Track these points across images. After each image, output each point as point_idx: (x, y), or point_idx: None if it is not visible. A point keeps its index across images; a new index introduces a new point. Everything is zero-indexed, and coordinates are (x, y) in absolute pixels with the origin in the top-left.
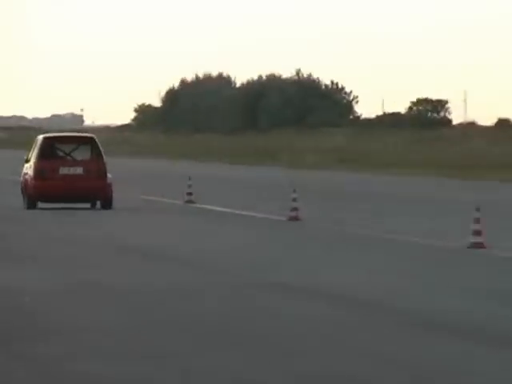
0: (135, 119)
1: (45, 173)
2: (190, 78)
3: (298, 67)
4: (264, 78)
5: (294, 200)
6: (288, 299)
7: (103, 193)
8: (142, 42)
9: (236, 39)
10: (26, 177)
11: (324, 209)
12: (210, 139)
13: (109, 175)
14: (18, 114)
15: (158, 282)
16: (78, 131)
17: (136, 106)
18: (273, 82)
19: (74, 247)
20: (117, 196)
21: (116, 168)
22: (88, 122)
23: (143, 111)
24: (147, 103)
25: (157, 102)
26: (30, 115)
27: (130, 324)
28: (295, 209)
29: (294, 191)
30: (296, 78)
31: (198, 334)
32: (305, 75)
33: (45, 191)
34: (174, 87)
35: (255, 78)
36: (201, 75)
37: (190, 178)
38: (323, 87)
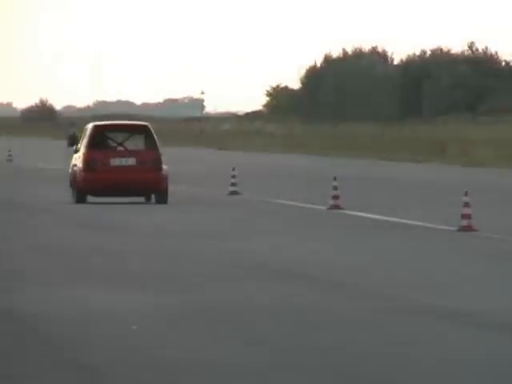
0: (267, 105)
1: (95, 164)
2: (335, 53)
3: (470, 40)
4: (428, 53)
5: (467, 205)
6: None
7: (158, 186)
8: (276, 10)
9: (394, 6)
10: (75, 168)
11: (496, 217)
12: (359, 130)
13: (164, 167)
14: (124, 98)
15: (298, 300)
16: (199, 119)
17: (269, 88)
18: (439, 58)
19: (192, 262)
20: (245, 198)
21: (244, 164)
22: (209, 108)
23: (277, 95)
24: (282, 85)
25: (295, 84)
26: (138, 100)
27: (277, 364)
28: (467, 216)
29: (466, 194)
30: (469, 53)
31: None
32: (479, 50)
33: (94, 184)
34: (315, 65)
35: (417, 53)
36: (349, 50)
37: (335, 178)
38: (503, 64)
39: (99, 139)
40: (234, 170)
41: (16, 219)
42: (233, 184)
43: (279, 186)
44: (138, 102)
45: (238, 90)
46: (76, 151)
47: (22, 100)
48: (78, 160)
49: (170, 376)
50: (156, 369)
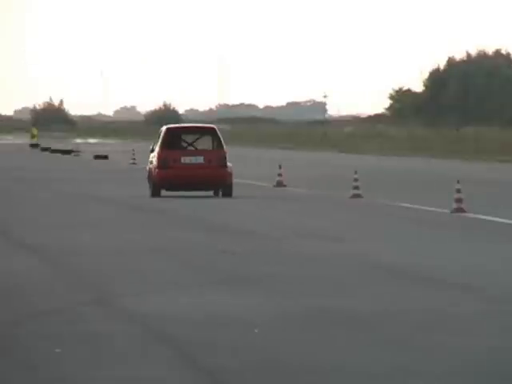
0: (390, 108)
1: (167, 162)
2: (459, 56)
3: None
4: None
5: None
6: None
7: (224, 181)
8: (399, 13)
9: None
10: (151, 166)
11: None
12: (483, 132)
13: (229, 164)
14: (247, 102)
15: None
16: (322, 122)
17: (392, 92)
18: None
19: (314, 264)
20: (367, 201)
21: (366, 167)
22: (332, 111)
23: (400, 98)
24: (405, 88)
25: (418, 87)
26: (261, 103)
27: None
28: None
29: None
30: None
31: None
32: None
33: (167, 179)
34: (439, 68)
35: None
36: (473, 53)
37: (458, 182)
38: None
39: (171, 140)
40: (356, 173)
41: (133, 219)
42: (355, 187)
43: (402, 189)
44: (261, 105)
45: (360, 92)
46: (152, 151)
47: (146, 104)
48: (153, 158)
49: (291, 379)
50: (277, 371)
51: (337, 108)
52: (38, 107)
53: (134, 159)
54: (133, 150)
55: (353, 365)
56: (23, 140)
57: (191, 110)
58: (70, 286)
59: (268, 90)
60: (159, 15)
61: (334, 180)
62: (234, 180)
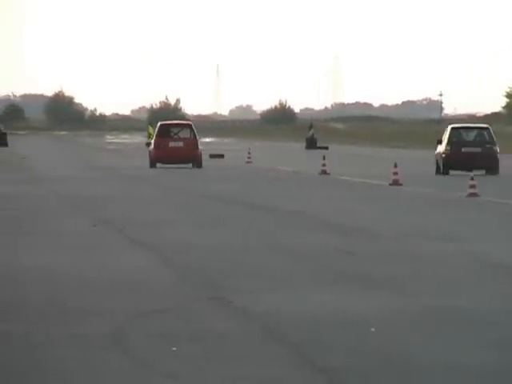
0: (507, 106)
1: (160, 145)
2: None
3: None
4: None
5: None
6: None
7: (196, 158)
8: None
9: None
10: (150, 148)
11: None
12: None
13: (200, 147)
14: (362, 100)
15: None
16: (438, 121)
17: (508, 90)
18: None
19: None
20: (482, 200)
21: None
22: (448, 110)
23: None
24: None
25: None
26: (376, 102)
27: None
28: None
29: None
30: None
31: None
32: None
33: (160, 157)
34: None
35: None
36: None
37: None
38: None
39: (163, 131)
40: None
41: (252, 219)
42: (471, 186)
43: None
44: (376, 103)
45: (477, 91)
46: (149, 137)
47: (262, 103)
48: (152, 143)
49: (407, 379)
50: (393, 371)
51: (453, 107)
52: (154, 106)
53: (250, 158)
54: (248, 149)
55: (469, 364)
56: (140, 139)
57: (306, 108)
58: (184, 284)
59: (383, 88)
60: (274, 15)
61: (450, 179)
62: (348, 178)
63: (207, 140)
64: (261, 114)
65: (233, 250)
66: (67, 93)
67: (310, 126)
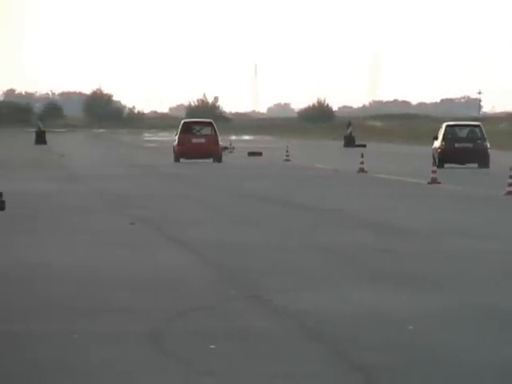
0: None
1: (184, 142)
2: None
3: None
4: None
5: None
6: None
7: (217, 153)
8: None
9: None
10: (174, 144)
11: None
12: None
13: (221, 143)
14: (401, 98)
15: None
16: (476, 119)
17: None
18: None
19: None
20: None
21: None
22: (486, 108)
23: None
24: None
25: None
26: (414, 100)
27: None
28: None
29: None
30: None
31: None
32: None
33: (183, 152)
34: None
35: None
36: None
37: None
38: None
39: (186, 128)
40: (511, 169)
41: (290, 217)
42: (510, 184)
43: None
44: (415, 101)
45: None
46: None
47: (300, 101)
48: (176, 140)
49: (445, 377)
50: (431, 369)
51: (491, 105)
52: (192, 104)
53: (288, 156)
54: (287, 147)
55: (507, 362)
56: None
57: (344, 106)
58: (223, 282)
59: (422, 86)
60: (313, 13)
61: (488, 177)
62: (386, 176)
63: (245, 138)
64: (299, 112)
65: (271, 249)
66: (105, 91)
67: (348, 124)
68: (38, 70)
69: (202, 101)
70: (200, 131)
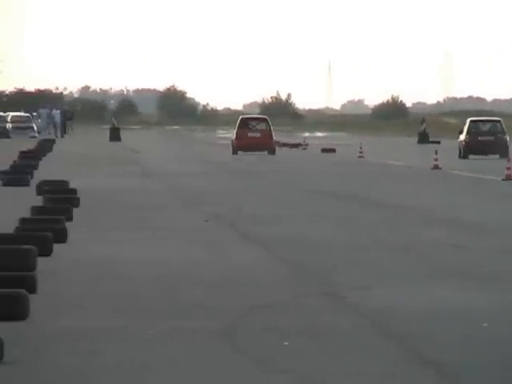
0: None
1: (241, 136)
2: None
3: None
4: None
5: None
6: None
7: (271, 147)
8: None
9: None
10: (232, 138)
11: None
12: None
13: (274, 137)
14: (475, 95)
15: None
16: None
17: None
18: None
19: None
20: None
21: None
22: None
23: None
24: None
25: None
26: (489, 97)
27: None
28: None
29: None
30: None
31: None
32: None
33: (241, 145)
34: None
35: None
36: None
37: None
38: None
39: (243, 124)
40: None
41: (364, 214)
42: None
43: None
44: (489, 98)
45: None
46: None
47: (374, 97)
48: (234, 134)
49: None
50: (506, 366)
51: None
52: (266, 101)
53: (362, 153)
54: (360, 144)
55: None
56: None
57: (418, 103)
58: (296, 279)
59: (496, 83)
60: (386, 11)
61: None
62: (461, 173)
63: (318, 134)
64: (372, 109)
65: (344, 246)
66: (179, 88)
67: (422, 121)
68: (113, 66)
69: (276, 98)
70: (256, 126)
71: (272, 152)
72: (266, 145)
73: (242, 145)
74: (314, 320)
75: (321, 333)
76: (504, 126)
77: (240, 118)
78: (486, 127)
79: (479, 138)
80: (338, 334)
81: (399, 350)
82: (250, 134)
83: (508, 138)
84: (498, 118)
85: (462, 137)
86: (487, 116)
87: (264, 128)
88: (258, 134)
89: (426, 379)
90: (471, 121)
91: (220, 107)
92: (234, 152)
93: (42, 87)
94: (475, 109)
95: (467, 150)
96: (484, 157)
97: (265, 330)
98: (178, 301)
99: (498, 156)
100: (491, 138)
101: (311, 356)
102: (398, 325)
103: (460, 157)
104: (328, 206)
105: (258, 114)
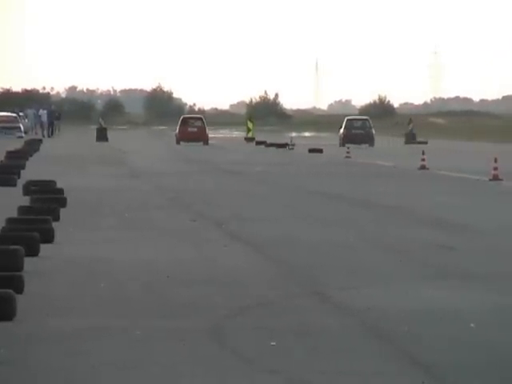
0: None
1: (183, 131)
2: None
3: None
4: None
5: None
6: None
7: (205, 139)
8: None
9: None
10: (176, 131)
11: None
12: None
13: (207, 132)
14: (462, 95)
15: None
16: None
17: None
18: None
19: None
20: None
21: None
22: None
23: None
24: None
25: None
26: (476, 97)
27: None
28: None
29: None
30: None
31: None
32: None
33: (182, 137)
34: None
35: None
36: None
37: None
38: None
39: (185, 121)
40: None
41: (351, 214)
42: None
43: None
44: (476, 98)
45: None
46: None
47: (361, 97)
48: (177, 129)
49: (508, 374)
50: (494, 368)
51: None
52: (253, 101)
53: (349, 153)
54: (347, 148)
55: None
56: (238, 133)
57: (406, 103)
58: (284, 279)
59: (483, 83)
60: (373, 10)
61: None
62: (448, 173)
63: (306, 134)
64: (360, 109)
65: (333, 246)
66: (166, 88)
67: (409, 121)
68: (100, 67)
69: (264, 98)
70: (194, 123)
71: (206, 143)
72: (201, 137)
73: (183, 137)
74: (302, 320)
75: (309, 333)
76: (371, 123)
77: (182, 117)
78: (358, 124)
79: (353, 131)
80: (325, 333)
81: (388, 349)
82: (189, 129)
83: (374, 132)
84: (366, 117)
85: (341, 131)
86: (474, 116)
87: (200, 125)
88: (195, 129)
89: (416, 379)
90: (347, 119)
91: (207, 107)
92: (177, 142)
93: (29, 87)
94: (462, 109)
95: (345, 140)
96: (357, 146)
97: (252, 329)
98: (165, 300)
99: (367, 145)
100: (362, 131)
101: (299, 356)
102: (386, 325)
103: (340, 145)
104: (315, 206)
105: (245, 113)
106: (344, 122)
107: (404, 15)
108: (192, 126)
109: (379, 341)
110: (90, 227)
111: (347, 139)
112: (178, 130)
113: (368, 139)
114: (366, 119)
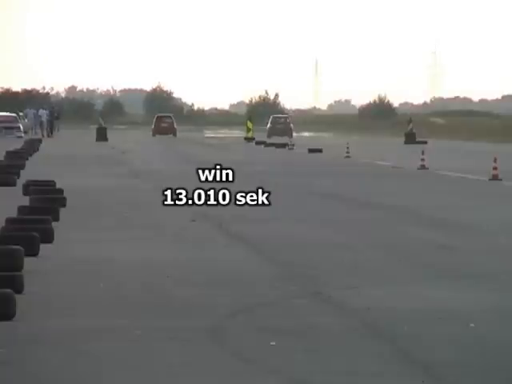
0: None
1: (157, 126)
2: None
3: None
4: None
5: None
6: None
7: (174, 132)
8: None
9: None
10: (152, 126)
11: None
12: None
13: (175, 126)
14: (462, 95)
15: None
16: None
17: None
18: None
19: None
20: None
21: None
22: None
23: None
24: None
25: None
26: (476, 97)
27: None
28: None
29: None
30: None
31: None
32: None
33: (157, 131)
34: None
35: None
36: None
37: None
38: None
39: (158, 119)
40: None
41: (351, 214)
42: None
43: None
44: (476, 98)
45: None
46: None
47: (361, 97)
48: (152, 126)
49: (507, 374)
50: (493, 367)
51: None
52: (253, 101)
53: (348, 153)
54: (347, 144)
55: None
56: (238, 133)
57: (405, 103)
58: (285, 279)
59: (483, 83)
60: (373, 10)
61: None
62: (447, 173)
63: (305, 134)
64: (359, 109)
65: (333, 246)
66: (165, 88)
67: (409, 121)
68: (99, 67)
69: (264, 98)
70: (165, 120)
71: (174, 135)
72: (170, 131)
73: (158, 131)
74: (301, 320)
75: (309, 333)
76: (290, 119)
77: (156, 116)
78: (281, 120)
79: (277, 126)
80: (325, 333)
81: (388, 349)
82: (162, 125)
83: (292, 126)
84: (286, 115)
85: (268, 125)
86: (474, 116)
87: (170, 121)
88: (166, 125)
89: (416, 379)
90: (273, 116)
91: (207, 107)
92: (153, 135)
93: (29, 87)
94: (462, 109)
95: (270, 133)
96: (280, 137)
97: (252, 329)
98: (165, 300)
99: (287, 137)
100: (283, 126)
101: (299, 356)
102: (386, 325)
103: (267, 137)
104: (317, 207)
105: (245, 113)
106: (270, 119)
107: (404, 15)
108: (164, 123)
109: (379, 341)
110: (90, 227)
111: (272, 132)
112: (153, 126)
113: (288, 132)
114: (286, 117)
